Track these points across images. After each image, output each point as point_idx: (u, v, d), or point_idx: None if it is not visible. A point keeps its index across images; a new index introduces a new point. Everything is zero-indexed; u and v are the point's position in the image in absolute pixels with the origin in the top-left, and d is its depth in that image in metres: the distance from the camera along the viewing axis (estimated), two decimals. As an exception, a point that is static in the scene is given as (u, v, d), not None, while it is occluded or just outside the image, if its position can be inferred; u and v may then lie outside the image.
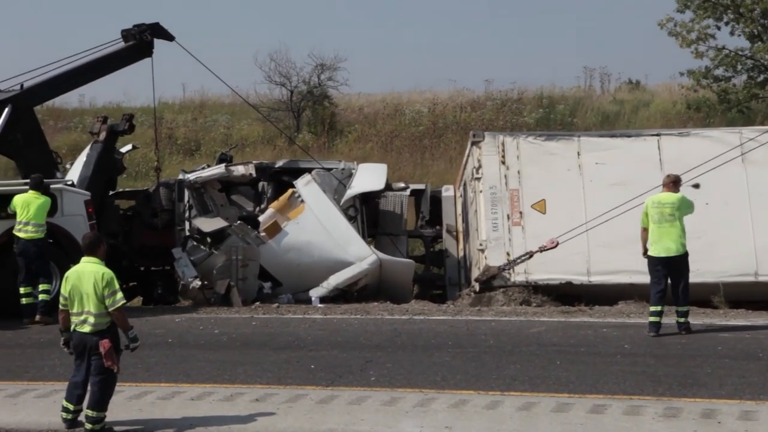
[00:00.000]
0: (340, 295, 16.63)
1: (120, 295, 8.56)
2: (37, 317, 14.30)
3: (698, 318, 13.86)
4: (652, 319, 12.58)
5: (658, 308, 12.54)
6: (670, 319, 12.76)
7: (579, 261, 15.55)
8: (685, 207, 12.67)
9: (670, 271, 12.60)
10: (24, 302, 14.46)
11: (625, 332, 12.89)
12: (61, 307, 8.71)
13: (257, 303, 16.09)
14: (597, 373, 10.66)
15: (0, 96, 16.23)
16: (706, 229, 15.32)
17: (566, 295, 15.64)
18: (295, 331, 13.48)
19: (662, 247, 12.55)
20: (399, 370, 10.92)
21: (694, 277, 15.08)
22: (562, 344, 12.24)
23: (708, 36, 28.24)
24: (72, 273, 8.65)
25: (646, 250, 12.79)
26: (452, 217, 18.88)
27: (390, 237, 18.63)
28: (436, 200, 19.30)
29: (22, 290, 14.45)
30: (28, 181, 14.83)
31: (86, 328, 8.53)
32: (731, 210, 15.74)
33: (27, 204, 14.40)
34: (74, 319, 8.60)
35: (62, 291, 8.66)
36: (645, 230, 12.80)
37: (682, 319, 12.61)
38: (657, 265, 12.62)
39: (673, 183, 12.92)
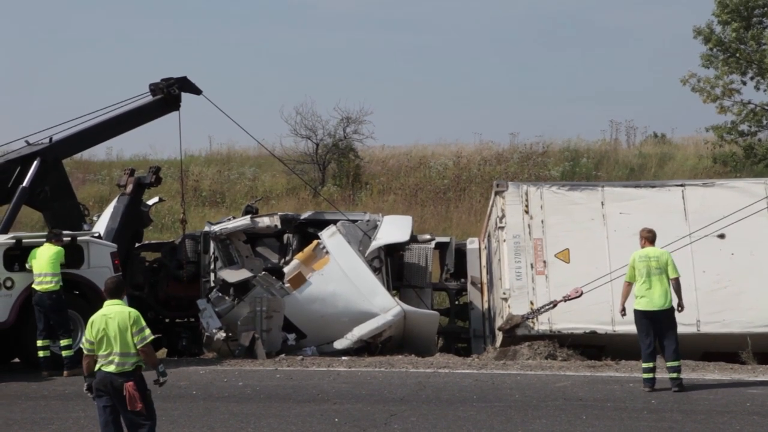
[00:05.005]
0: (365, 348, 16.57)
1: (148, 331, 8.69)
2: (65, 373, 14.34)
3: (726, 374, 13.74)
4: (645, 376, 12.50)
5: (650, 365, 12.46)
6: (702, 375, 12.62)
7: (603, 310, 15.42)
8: (672, 266, 12.54)
9: (657, 325, 12.48)
10: (41, 355, 14.57)
11: (651, 387, 12.75)
12: (86, 352, 8.77)
13: (282, 355, 16.07)
14: (623, 428, 10.55)
15: (29, 149, 16.47)
16: (732, 279, 15.41)
17: (590, 345, 15.53)
18: (319, 384, 13.44)
19: (648, 301, 12.47)
20: (423, 423, 10.85)
21: (720, 328, 15.12)
22: (588, 399, 12.13)
23: (733, 91, 28.22)
24: (98, 317, 8.73)
25: (624, 309, 12.72)
26: (477, 270, 18.82)
27: (415, 289, 18.59)
28: (461, 253, 19.26)
29: (39, 343, 14.56)
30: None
31: (111, 368, 8.60)
32: (757, 260, 15.64)
33: (40, 256, 14.54)
34: (100, 360, 8.67)
35: (87, 336, 8.71)
36: (629, 284, 12.75)
37: (674, 375, 12.44)
38: (643, 318, 12.54)
39: (654, 237, 12.85)
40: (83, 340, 8.87)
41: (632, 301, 12.71)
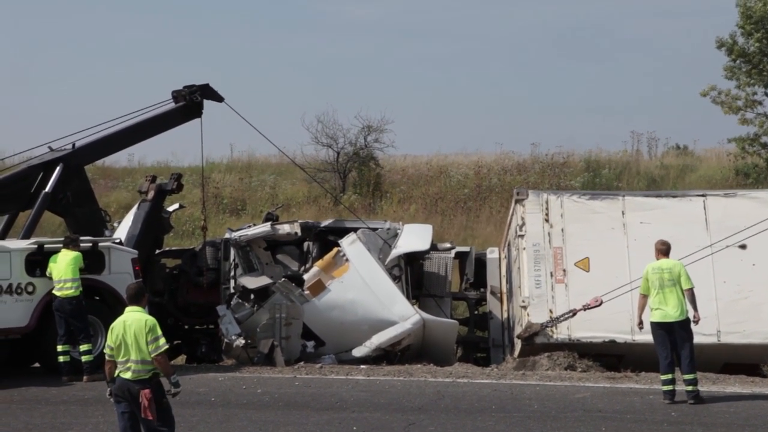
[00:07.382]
0: (383, 356, 16.55)
1: (163, 340, 8.73)
2: (85, 378, 14.40)
3: (747, 387, 13.63)
4: (665, 388, 12.43)
5: (669, 376, 12.39)
6: (722, 388, 12.52)
7: (623, 319, 15.32)
8: (685, 277, 12.48)
9: (673, 336, 12.42)
10: (61, 360, 14.62)
11: (672, 398, 12.67)
12: (107, 358, 8.85)
13: (300, 362, 16.07)
14: (643, 439, 10.48)
15: (51, 155, 16.57)
16: (754, 289, 15.36)
17: (609, 354, 15.46)
18: (337, 392, 13.43)
19: (663, 312, 12.42)
20: (441, 432, 10.82)
21: (741, 338, 15.05)
22: (607, 411, 12.06)
23: (755, 103, 28.13)
24: (118, 323, 8.83)
25: (641, 321, 12.71)
26: (497, 280, 18.79)
27: (434, 298, 18.56)
28: (481, 262, 19.23)
29: (59, 348, 14.60)
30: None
31: (128, 375, 8.68)
32: None
33: (59, 262, 14.60)
34: (119, 367, 8.76)
35: (108, 342, 8.82)
36: (644, 297, 12.71)
37: (690, 387, 12.36)
38: (659, 330, 12.49)
39: (669, 250, 12.81)
40: (105, 345, 8.93)
41: (649, 313, 12.67)
